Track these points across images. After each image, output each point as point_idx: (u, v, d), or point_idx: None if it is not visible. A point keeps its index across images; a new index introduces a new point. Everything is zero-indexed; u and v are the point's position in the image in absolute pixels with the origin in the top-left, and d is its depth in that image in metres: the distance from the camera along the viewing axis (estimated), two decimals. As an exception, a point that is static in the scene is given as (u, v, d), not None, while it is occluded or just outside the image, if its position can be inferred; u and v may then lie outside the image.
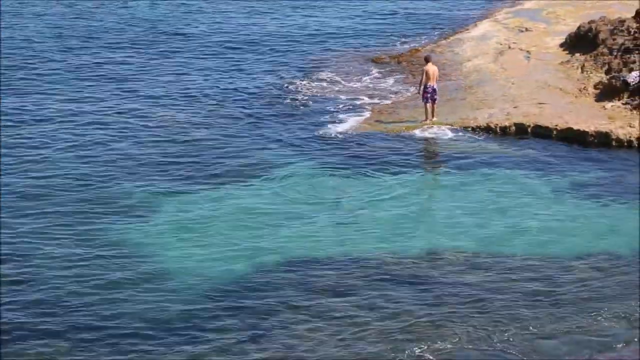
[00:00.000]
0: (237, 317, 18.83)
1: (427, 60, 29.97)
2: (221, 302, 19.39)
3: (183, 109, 30.78)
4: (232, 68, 35.20)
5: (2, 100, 31.01)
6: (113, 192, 24.49)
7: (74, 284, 20.01)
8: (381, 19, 42.17)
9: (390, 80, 33.64)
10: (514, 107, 29.69)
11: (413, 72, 33.98)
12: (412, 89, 31.70)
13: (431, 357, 17.59)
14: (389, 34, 39.69)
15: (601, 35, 33.74)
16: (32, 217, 23.06)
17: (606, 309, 19.04)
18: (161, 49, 37.52)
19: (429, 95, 29.35)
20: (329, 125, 29.37)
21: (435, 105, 29.43)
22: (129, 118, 29.98)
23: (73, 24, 40.77)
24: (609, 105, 29.44)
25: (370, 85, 33.16)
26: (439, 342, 17.97)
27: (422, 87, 29.39)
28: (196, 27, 40.50)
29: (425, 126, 29.02)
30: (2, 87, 32.40)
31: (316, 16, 42.63)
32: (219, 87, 33.09)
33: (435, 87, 29.26)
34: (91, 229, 22.50)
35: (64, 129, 29.00)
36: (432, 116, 29.43)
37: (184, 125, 29.37)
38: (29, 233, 22.23)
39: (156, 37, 39.04)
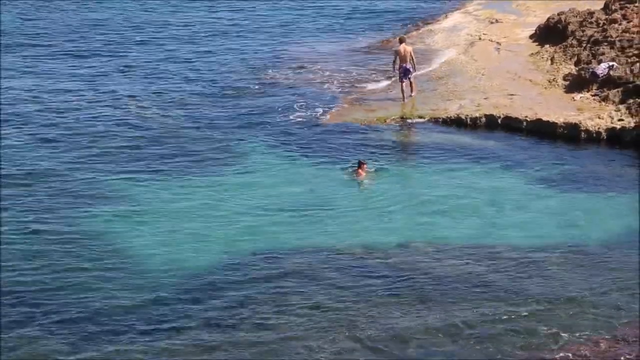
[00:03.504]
0: (205, 308, 18.86)
1: (400, 41, 30.78)
2: (190, 293, 19.40)
3: (153, 100, 30.73)
4: (203, 58, 35.14)
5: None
6: (81, 182, 24.45)
7: (42, 274, 19.97)
8: (354, 11, 42.20)
9: (362, 71, 33.73)
10: (485, 98, 29.88)
11: (385, 63, 34.08)
12: (383, 80, 32.02)
13: (399, 349, 17.76)
14: (362, 25, 39.75)
15: (570, 27, 33.97)
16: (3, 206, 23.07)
17: (577, 300, 19.24)
18: (130, 40, 37.43)
19: (401, 74, 30.09)
20: (300, 116, 29.42)
21: (412, 81, 30.37)
22: (96, 108, 29.92)
23: (44, 18, 40.53)
24: (578, 96, 29.65)
25: (342, 76, 33.22)
26: (407, 334, 18.12)
27: (396, 66, 30.22)
28: (169, 18, 40.33)
29: (397, 119, 29.23)
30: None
31: (288, 8, 42.56)
32: (190, 77, 33.06)
33: (407, 66, 30.08)
34: (59, 218, 22.47)
35: (34, 120, 28.95)
36: (412, 92, 30.37)
37: (153, 116, 29.35)
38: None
39: (126, 29, 38.88)
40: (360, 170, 25.04)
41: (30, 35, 37.41)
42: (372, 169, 25.30)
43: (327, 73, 33.52)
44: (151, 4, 42.41)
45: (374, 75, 33.14)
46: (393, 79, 31.31)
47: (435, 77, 32.29)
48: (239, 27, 39.29)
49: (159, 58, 35.23)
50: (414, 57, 30.41)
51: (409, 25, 39.16)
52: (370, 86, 32.14)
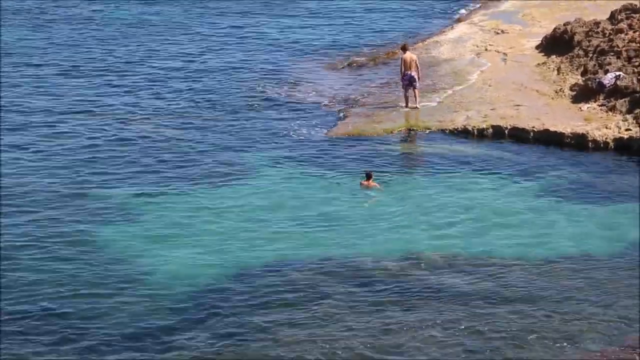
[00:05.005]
0: (214, 320, 18.84)
1: (403, 49, 31.04)
2: (199, 306, 19.40)
3: (153, 116, 30.62)
4: (203, 74, 34.96)
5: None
6: (85, 198, 24.42)
7: (51, 288, 19.96)
8: (356, 24, 42.14)
9: (367, 83, 33.69)
10: (491, 109, 29.85)
11: (390, 75, 34.05)
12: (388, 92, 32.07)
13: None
14: (365, 38, 39.71)
15: (577, 37, 33.93)
16: (8, 220, 23.03)
17: (586, 311, 19.18)
18: (135, 53, 37.43)
19: (406, 82, 30.21)
20: (304, 129, 29.38)
21: (416, 92, 30.46)
22: (103, 121, 29.93)
23: (46, 28, 40.55)
24: (585, 106, 29.62)
25: (347, 89, 33.19)
26: (417, 345, 18.07)
27: (401, 75, 30.42)
28: (168, 36, 40.24)
29: (404, 130, 29.26)
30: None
31: (290, 23, 42.43)
32: (190, 94, 32.79)
33: (412, 74, 30.24)
34: (67, 232, 22.46)
35: (39, 131, 29.02)
36: (416, 102, 30.51)
37: (158, 129, 29.32)
38: (6, 237, 22.21)
39: (126, 45, 38.85)
40: (368, 182, 25.02)
41: (31, 52, 37.39)
42: (379, 183, 25.27)
43: (331, 86, 33.47)
44: (151, 21, 42.34)
45: (378, 87, 33.04)
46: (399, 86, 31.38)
47: (441, 89, 32.25)
48: (239, 43, 39.11)
49: (157, 74, 35.00)
50: (418, 65, 30.62)
51: (412, 37, 39.10)
52: (376, 98, 32.01)
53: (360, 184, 25.13)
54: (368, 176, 25.13)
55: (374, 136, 28.82)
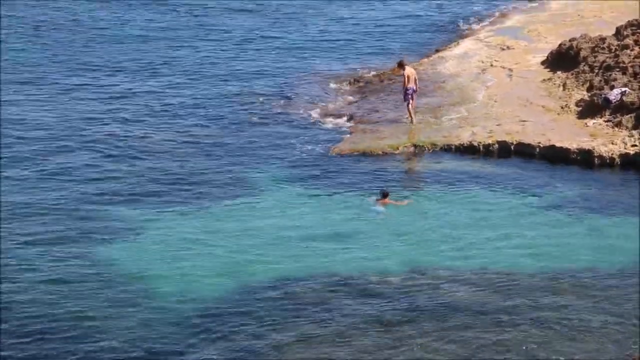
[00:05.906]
0: (223, 337, 18.84)
1: (402, 65, 31.51)
2: (207, 323, 19.38)
3: (159, 132, 30.58)
4: (207, 91, 34.88)
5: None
6: (96, 213, 24.43)
7: (58, 306, 19.95)
8: (361, 40, 42.13)
9: (372, 99, 33.67)
10: (497, 125, 29.83)
11: (395, 91, 34.03)
12: (391, 113, 32.01)
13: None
14: (370, 54, 39.71)
15: (582, 53, 33.91)
16: (14, 238, 23.00)
17: (591, 327, 19.13)
18: (135, 71, 37.44)
19: (409, 96, 30.77)
20: (309, 145, 29.34)
21: (414, 103, 30.99)
22: (108, 138, 29.92)
23: (49, 44, 40.58)
24: (591, 122, 29.59)
25: (352, 105, 33.17)
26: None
27: (404, 90, 30.84)
28: (174, 51, 40.26)
29: (409, 146, 29.21)
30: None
31: (294, 39, 42.43)
32: (194, 110, 32.71)
33: (414, 88, 30.90)
34: (75, 250, 22.45)
35: (46, 149, 28.97)
36: (413, 112, 30.92)
37: (161, 147, 29.28)
38: (11, 254, 22.19)
39: (138, 59, 38.90)
40: (383, 200, 24.87)
41: (35, 69, 37.40)
42: (401, 200, 25.20)
43: (337, 103, 33.45)
44: (153, 37, 42.35)
45: (383, 103, 33.01)
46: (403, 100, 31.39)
47: (447, 104, 32.23)
48: (243, 61, 39.09)
49: (159, 92, 34.89)
50: (417, 79, 31.22)
51: (417, 53, 39.09)
52: (381, 114, 31.99)
53: (377, 201, 25.02)
54: (384, 195, 25.00)
55: (379, 152, 28.78)
